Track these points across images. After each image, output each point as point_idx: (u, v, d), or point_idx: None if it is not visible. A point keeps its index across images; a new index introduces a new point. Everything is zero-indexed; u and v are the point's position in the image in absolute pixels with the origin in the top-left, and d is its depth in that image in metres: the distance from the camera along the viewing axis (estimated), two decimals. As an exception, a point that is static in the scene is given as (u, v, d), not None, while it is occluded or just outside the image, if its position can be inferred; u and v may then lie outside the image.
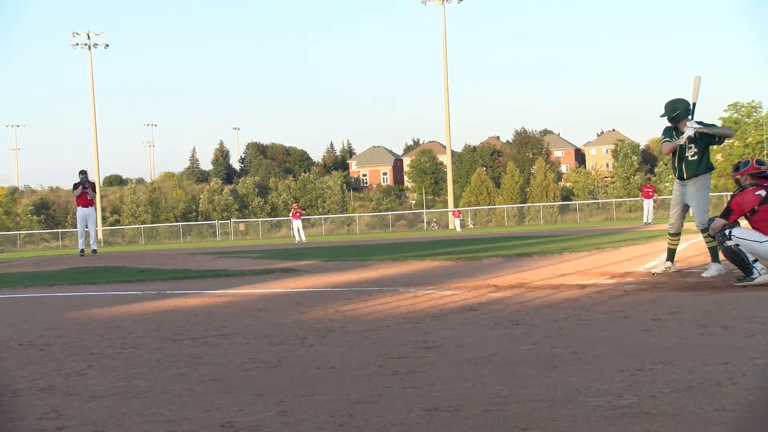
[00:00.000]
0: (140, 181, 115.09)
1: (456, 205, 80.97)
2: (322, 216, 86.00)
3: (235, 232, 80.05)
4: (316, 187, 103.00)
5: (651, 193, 39.54)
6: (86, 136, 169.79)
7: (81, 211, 20.91)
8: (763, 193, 8.95)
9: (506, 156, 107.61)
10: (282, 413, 3.79)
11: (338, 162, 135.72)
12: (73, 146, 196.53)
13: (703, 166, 10.00)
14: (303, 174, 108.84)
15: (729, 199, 9.26)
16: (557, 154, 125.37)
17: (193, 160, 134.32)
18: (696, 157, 9.96)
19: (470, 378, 4.44)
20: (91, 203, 20.92)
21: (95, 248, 20.76)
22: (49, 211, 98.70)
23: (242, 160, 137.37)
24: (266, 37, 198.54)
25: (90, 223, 21.09)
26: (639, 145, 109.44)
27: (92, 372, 5.11)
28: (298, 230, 45.06)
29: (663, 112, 10.12)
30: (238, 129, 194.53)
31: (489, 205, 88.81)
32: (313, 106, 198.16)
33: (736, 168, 9.32)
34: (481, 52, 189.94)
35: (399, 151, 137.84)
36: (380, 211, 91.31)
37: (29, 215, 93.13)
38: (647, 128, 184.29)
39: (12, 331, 7.42)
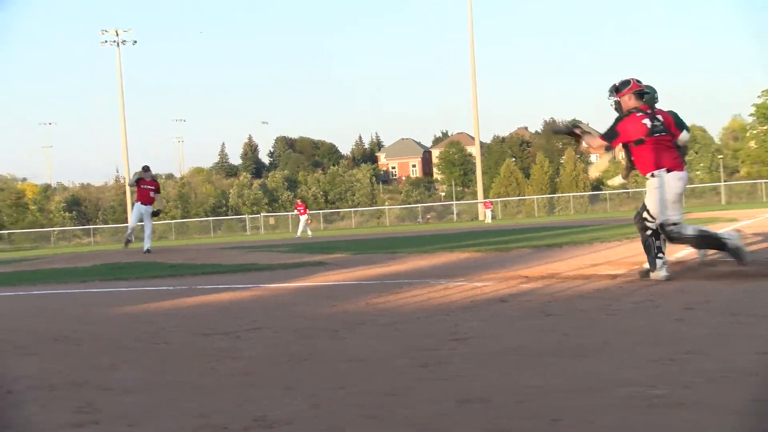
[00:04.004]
0: (170, 176, 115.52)
1: (486, 196, 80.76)
2: (352, 209, 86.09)
3: (265, 226, 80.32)
4: (345, 180, 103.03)
5: None
6: (116, 132, 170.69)
7: (138, 207, 20.74)
8: (648, 123, 8.50)
9: (535, 146, 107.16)
10: (313, 406, 3.80)
11: (367, 155, 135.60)
12: (103, 143, 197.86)
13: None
14: (332, 167, 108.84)
15: (614, 122, 8.64)
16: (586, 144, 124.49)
17: (222, 154, 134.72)
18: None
19: (501, 369, 4.44)
20: (150, 201, 20.71)
21: (149, 248, 20.46)
22: (81, 208, 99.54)
23: (271, 154, 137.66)
24: (293, 30, 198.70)
25: (146, 220, 20.77)
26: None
27: (124, 367, 5.15)
28: (305, 224, 45.09)
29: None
30: (267, 123, 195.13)
31: (518, 195, 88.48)
32: (341, 98, 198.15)
33: (616, 89, 8.75)
34: (508, 42, 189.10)
35: (427, 143, 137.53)
36: (409, 203, 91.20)
37: (62, 212, 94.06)
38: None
39: (47, 327, 7.50)
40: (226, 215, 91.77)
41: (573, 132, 8.86)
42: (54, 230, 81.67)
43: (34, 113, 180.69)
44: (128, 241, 21.20)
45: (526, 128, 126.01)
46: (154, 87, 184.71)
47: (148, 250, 20.09)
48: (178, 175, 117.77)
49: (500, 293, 8.09)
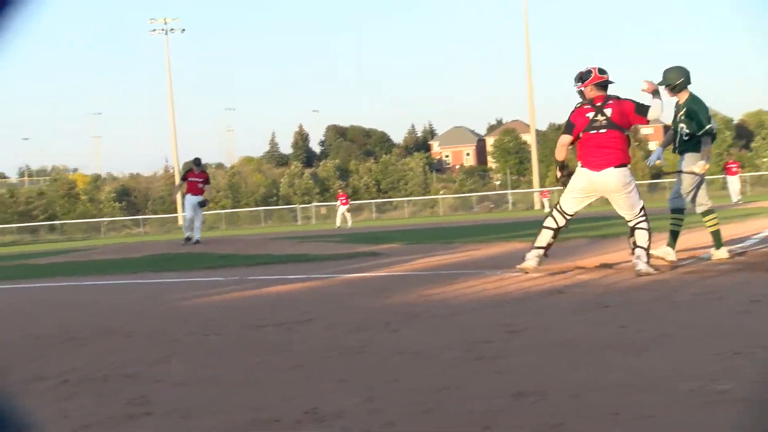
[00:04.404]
0: (219, 166, 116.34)
1: (542, 185, 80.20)
2: (404, 198, 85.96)
3: (317, 216, 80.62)
4: (398, 169, 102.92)
5: (735, 170, 38.50)
6: (165, 122, 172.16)
7: (188, 200, 20.77)
8: (591, 116, 8.54)
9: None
10: (366, 400, 3.81)
11: (420, 143, 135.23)
12: (152, 132, 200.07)
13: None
14: (384, 156, 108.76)
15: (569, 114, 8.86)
16: (645, 131, 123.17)
17: (273, 143, 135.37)
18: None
19: (556, 362, 4.41)
20: (199, 192, 20.87)
21: (198, 238, 20.69)
22: (130, 198, 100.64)
23: (322, 143, 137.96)
24: (344, 17, 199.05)
25: (196, 211, 20.86)
26: (732, 120, 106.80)
27: (176, 359, 5.22)
28: (344, 215, 45.13)
29: (664, 79, 9.34)
30: (318, 111, 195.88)
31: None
32: (394, 86, 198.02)
33: (580, 79, 8.77)
34: (563, 27, 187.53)
35: (481, 131, 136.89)
36: (463, 193, 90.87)
37: (111, 202, 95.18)
38: (740, 102, 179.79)
39: (99, 318, 7.62)
40: (277, 205, 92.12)
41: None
42: (104, 221, 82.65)
43: (83, 103, 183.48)
44: (188, 238, 21.11)
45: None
46: (203, 76, 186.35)
47: (197, 241, 20.25)
48: (227, 165, 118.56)
49: (556, 284, 8.04)
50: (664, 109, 8.85)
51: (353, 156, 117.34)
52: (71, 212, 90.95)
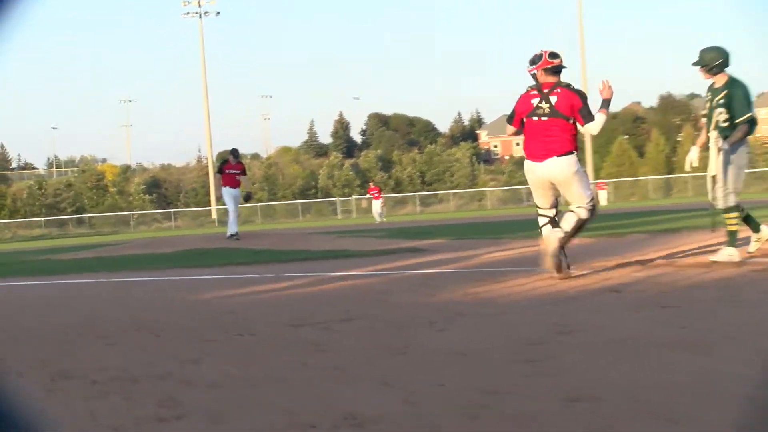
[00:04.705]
0: (255, 156, 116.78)
1: (596, 177, 79.71)
2: (450, 191, 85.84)
3: (357, 210, 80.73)
4: (443, 159, 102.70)
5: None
6: (198, 110, 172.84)
7: (227, 193, 20.86)
8: (535, 103, 8.55)
9: (650, 122, 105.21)
10: (408, 403, 3.81)
11: (466, 132, 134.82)
12: (184, 121, 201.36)
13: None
14: (429, 146, 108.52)
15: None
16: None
17: (311, 132, 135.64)
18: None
19: (612, 365, 4.38)
20: (237, 184, 20.96)
21: (234, 232, 20.69)
22: (161, 190, 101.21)
23: (363, 132, 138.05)
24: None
25: (235, 204, 20.94)
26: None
27: (208, 359, 5.25)
28: (381, 209, 45.18)
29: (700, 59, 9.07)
30: (359, 99, 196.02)
31: (632, 176, 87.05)
32: (439, 73, 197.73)
33: (532, 62, 8.73)
34: (617, 9, 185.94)
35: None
36: (513, 185, 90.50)
37: (141, 195, 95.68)
38: None
39: (128, 316, 7.69)
40: (315, 198, 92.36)
41: None
42: (134, 214, 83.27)
43: (113, 91, 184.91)
44: (236, 233, 21.00)
45: (639, 103, 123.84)
46: (238, 61, 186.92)
47: (233, 235, 20.37)
48: (264, 155, 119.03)
49: (612, 282, 7.99)
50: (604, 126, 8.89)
51: (396, 146, 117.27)
52: (99, 205, 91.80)
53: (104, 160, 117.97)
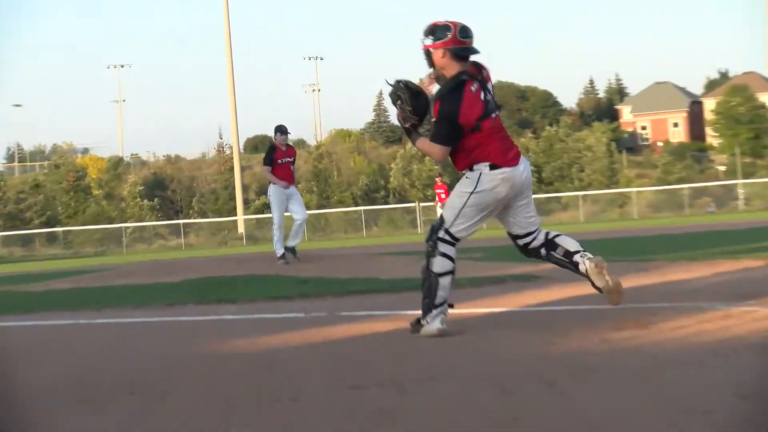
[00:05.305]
0: (300, 143, 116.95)
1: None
2: (579, 192, 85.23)
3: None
4: (569, 147, 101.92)
5: None
6: (219, 78, 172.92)
7: (278, 192, 20.83)
8: (482, 96, 8.61)
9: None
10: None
11: (602, 108, 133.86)
12: (199, 95, 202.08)
13: None
14: (547, 128, 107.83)
15: (445, 97, 8.74)
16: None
17: (379, 110, 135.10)
18: None
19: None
20: (292, 177, 21.03)
21: (294, 244, 20.69)
22: (166, 193, 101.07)
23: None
24: None
25: (297, 206, 21.01)
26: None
27: (235, 432, 5.34)
28: None
29: None
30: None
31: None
32: (560, 25, 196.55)
33: (431, 33, 8.70)
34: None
35: (696, 90, 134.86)
36: (669, 184, 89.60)
37: (138, 199, 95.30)
38: None
39: (121, 372, 7.82)
40: (386, 202, 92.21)
41: None
42: (127, 226, 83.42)
43: (100, 53, 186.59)
44: (284, 255, 20.78)
45: None
46: (271, 10, 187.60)
47: (292, 249, 20.16)
48: (311, 142, 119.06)
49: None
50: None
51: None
52: (79, 214, 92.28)
53: (86, 151, 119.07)
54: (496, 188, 8.75)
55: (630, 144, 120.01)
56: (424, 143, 8.90)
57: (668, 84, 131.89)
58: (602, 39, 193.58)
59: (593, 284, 8.79)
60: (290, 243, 20.63)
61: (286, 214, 21.16)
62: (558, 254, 8.98)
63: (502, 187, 8.78)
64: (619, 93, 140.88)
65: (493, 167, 8.72)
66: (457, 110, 8.60)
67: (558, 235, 9.02)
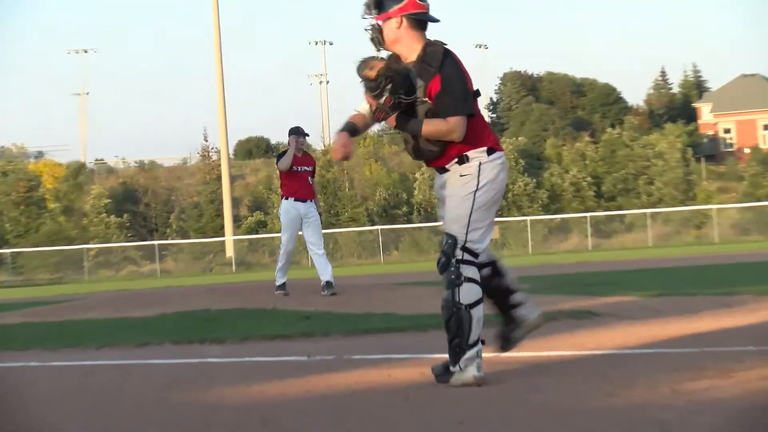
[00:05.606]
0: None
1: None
2: (647, 210, 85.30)
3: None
4: (636, 154, 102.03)
5: None
6: (206, 73, 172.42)
7: (291, 208, 20.70)
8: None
9: None
10: None
11: (676, 106, 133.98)
12: (179, 87, 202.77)
13: None
14: (608, 130, 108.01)
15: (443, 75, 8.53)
16: None
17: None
18: None
19: None
20: (312, 193, 20.89)
21: (329, 279, 20.18)
22: (139, 208, 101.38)
23: (494, 105, 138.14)
24: None
25: (312, 230, 20.81)
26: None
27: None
28: None
29: None
30: (485, 47, 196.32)
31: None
32: (627, 5, 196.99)
33: (377, 4, 8.58)
34: None
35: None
36: (757, 200, 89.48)
37: (102, 215, 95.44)
38: None
39: (81, 426, 7.84)
40: (408, 221, 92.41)
41: None
42: (90, 248, 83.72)
43: (58, 36, 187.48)
44: (284, 283, 20.57)
45: None
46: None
47: (329, 284, 20.00)
48: (319, 147, 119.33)
49: None
50: None
51: (551, 129, 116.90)
52: (32, 232, 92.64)
53: (40, 155, 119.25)
54: (499, 176, 8.73)
55: (710, 151, 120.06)
56: (436, 124, 8.54)
57: (758, 77, 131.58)
58: (677, 22, 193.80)
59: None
60: (324, 278, 20.23)
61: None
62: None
63: (504, 175, 8.79)
64: (697, 88, 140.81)
65: (490, 152, 8.70)
66: (465, 78, 8.63)
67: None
